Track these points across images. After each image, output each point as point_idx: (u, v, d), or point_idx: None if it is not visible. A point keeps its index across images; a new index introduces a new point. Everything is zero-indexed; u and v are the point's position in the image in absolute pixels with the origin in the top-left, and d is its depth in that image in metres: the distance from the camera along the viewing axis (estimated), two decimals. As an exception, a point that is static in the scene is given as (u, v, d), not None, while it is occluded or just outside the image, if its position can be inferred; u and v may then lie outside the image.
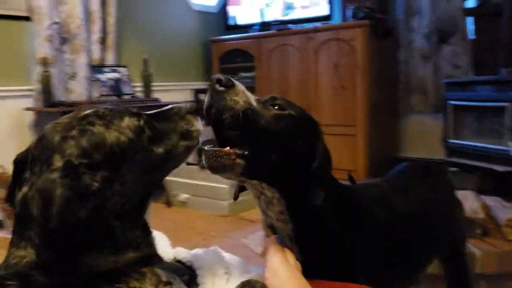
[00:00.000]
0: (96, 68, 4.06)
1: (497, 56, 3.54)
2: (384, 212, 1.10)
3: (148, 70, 4.31)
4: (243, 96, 0.82)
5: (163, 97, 4.42)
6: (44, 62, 3.66)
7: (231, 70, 5.14)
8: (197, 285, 0.85)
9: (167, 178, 0.85)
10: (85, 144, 0.65)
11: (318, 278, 0.91)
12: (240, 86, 0.83)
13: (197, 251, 0.99)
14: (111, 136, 0.69)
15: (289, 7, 4.81)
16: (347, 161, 4.21)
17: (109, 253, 0.65)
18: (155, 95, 4.39)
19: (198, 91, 4.24)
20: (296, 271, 0.82)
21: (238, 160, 0.81)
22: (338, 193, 1.00)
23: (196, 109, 0.84)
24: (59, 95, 3.90)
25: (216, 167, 0.81)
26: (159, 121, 0.80)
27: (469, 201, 2.60)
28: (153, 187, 0.78)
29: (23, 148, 0.73)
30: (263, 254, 0.89)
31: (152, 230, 1.01)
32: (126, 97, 4.11)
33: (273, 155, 0.84)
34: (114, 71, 4.13)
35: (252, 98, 0.86)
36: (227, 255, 0.99)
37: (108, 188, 0.65)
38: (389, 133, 4.50)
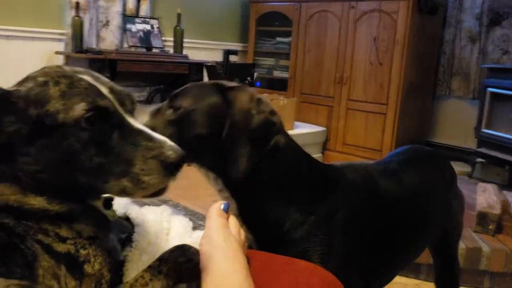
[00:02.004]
0: (128, 18, 4.04)
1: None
2: (364, 196, 1.02)
3: (181, 25, 4.25)
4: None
5: (193, 55, 4.38)
6: (77, 7, 3.68)
7: (267, 33, 5.02)
8: (131, 242, 0.82)
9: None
10: (32, 94, 0.65)
11: None
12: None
13: (146, 209, 0.96)
14: (56, 104, 0.64)
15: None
16: (374, 140, 4.07)
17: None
18: (185, 51, 4.33)
19: (229, 52, 4.16)
20: (233, 240, 0.76)
21: None
22: (295, 169, 0.94)
23: (179, 163, 0.68)
24: (91, 42, 3.93)
25: None
26: (124, 134, 0.67)
27: (488, 195, 2.46)
28: (78, 185, 0.68)
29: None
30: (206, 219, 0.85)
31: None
32: (155, 50, 4.08)
33: (189, 148, 0.80)
34: (146, 22, 4.10)
35: (147, 114, 0.91)
36: (179, 217, 0.96)
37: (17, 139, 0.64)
38: (422, 116, 4.28)
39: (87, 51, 3.57)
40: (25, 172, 0.65)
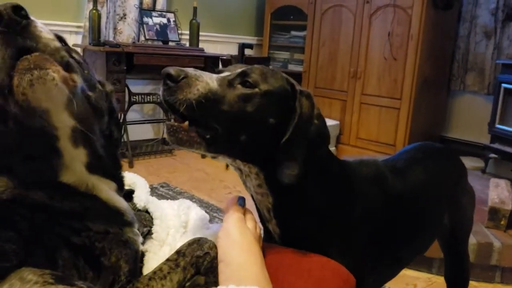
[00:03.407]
0: (145, 11, 4.09)
1: None
2: (377, 192, 1.05)
3: (197, 18, 4.29)
4: (198, 84, 0.78)
5: (209, 48, 4.41)
6: (95, 0, 3.73)
7: (282, 27, 5.03)
8: (151, 234, 0.86)
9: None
10: None
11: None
12: (193, 74, 0.78)
13: (164, 202, 1.00)
14: None
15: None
16: (387, 135, 4.08)
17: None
18: (201, 45, 4.38)
19: (244, 46, 4.19)
20: (249, 235, 0.81)
21: (198, 139, 0.79)
22: (328, 169, 0.96)
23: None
24: (108, 35, 3.99)
25: (175, 141, 0.79)
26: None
27: (500, 190, 2.47)
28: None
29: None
30: (224, 212, 0.88)
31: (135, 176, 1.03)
32: (171, 43, 4.13)
33: (242, 136, 0.81)
34: (162, 16, 4.14)
35: (214, 79, 0.81)
36: (196, 210, 0.99)
37: None
38: (436, 111, 4.28)
39: (104, 44, 3.62)
40: None
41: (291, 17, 4.90)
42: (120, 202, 0.78)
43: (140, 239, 0.80)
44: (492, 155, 3.28)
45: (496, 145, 3.26)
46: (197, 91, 0.77)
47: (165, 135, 0.82)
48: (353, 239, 0.98)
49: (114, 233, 0.72)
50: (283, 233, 0.95)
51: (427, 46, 3.89)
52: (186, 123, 0.79)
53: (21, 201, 0.66)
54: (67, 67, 0.65)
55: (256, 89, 0.82)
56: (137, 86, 4.15)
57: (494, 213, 2.34)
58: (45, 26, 0.64)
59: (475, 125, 4.15)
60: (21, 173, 0.68)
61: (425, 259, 2.16)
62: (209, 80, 0.80)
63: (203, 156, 4.03)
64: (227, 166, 3.30)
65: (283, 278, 0.82)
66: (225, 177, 3.60)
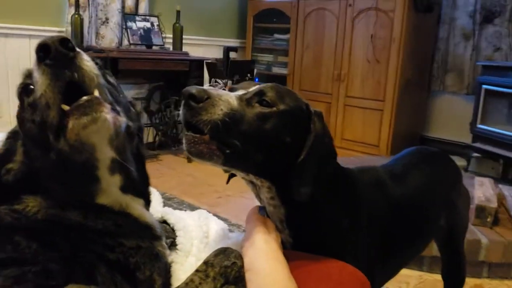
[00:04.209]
0: (128, 16, 4.06)
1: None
2: (380, 197, 1.09)
3: (180, 22, 4.28)
4: (221, 104, 0.78)
5: (192, 51, 4.41)
6: (77, 5, 3.69)
7: (265, 29, 5.06)
8: (175, 245, 0.87)
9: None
10: None
11: None
12: (215, 94, 0.78)
13: (183, 213, 1.00)
14: None
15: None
16: (371, 136, 4.16)
17: None
18: (185, 48, 4.37)
19: (229, 49, 4.20)
20: (273, 243, 0.83)
21: (218, 152, 0.79)
22: (336, 180, 0.98)
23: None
24: (90, 39, 3.94)
25: (195, 153, 0.79)
26: None
27: (485, 189, 2.55)
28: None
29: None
30: (246, 222, 0.90)
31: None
32: (155, 48, 4.11)
33: (258, 152, 0.82)
34: (146, 20, 4.12)
35: (234, 98, 0.81)
36: (215, 220, 1.01)
37: None
38: (418, 111, 4.38)
39: (88, 49, 3.58)
40: None
41: (274, 20, 4.93)
42: (150, 217, 0.80)
43: (168, 251, 0.82)
44: (475, 154, 3.37)
45: (478, 144, 3.36)
46: (221, 111, 0.77)
47: (184, 146, 0.81)
48: (362, 244, 1.01)
49: (145, 247, 0.73)
50: (295, 242, 0.97)
51: (409, 48, 3.98)
52: (207, 136, 0.79)
53: (57, 221, 0.68)
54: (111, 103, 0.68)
55: (274, 108, 0.84)
56: (120, 91, 4.11)
57: (481, 211, 2.41)
58: (88, 57, 0.66)
59: (455, 125, 4.26)
60: (58, 195, 0.69)
61: (417, 257, 2.21)
62: (230, 99, 0.80)
63: (190, 161, 4.02)
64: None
65: (306, 283, 0.84)
66: (215, 181, 3.59)
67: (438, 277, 1.74)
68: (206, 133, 0.77)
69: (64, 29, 3.80)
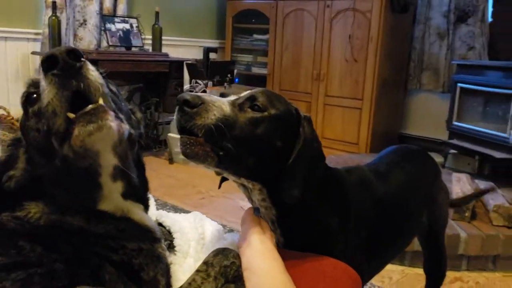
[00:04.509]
0: (107, 17, 4.03)
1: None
2: (367, 197, 1.12)
3: (159, 23, 4.27)
4: (214, 109, 0.81)
5: (171, 52, 4.40)
6: (54, 6, 3.64)
7: (244, 30, 5.08)
8: (173, 247, 0.89)
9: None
10: None
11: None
12: (209, 100, 0.81)
13: (178, 216, 1.02)
14: None
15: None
16: (351, 134, 4.23)
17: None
18: (165, 49, 4.36)
19: (209, 50, 4.21)
20: (269, 242, 0.85)
21: (212, 154, 0.81)
22: (325, 182, 1.01)
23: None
24: (68, 41, 3.90)
25: (190, 155, 0.81)
26: None
27: (462, 184, 2.62)
28: None
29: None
30: (241, 223, 0.92)
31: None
32: (134, 49, 4.09)
33: (250, 156, 0.85)
34: (125, 21, 4.09)
35: (227, 104, 0.84)
36: (209, 221, 1.02)
37: None
38: (395, 109, 4.48)
39: (66, 51, 3.54)
40: None
41: (253, 20, 4.96)
42: (149, 220, 0.82)
43: (167, 253, 0.84)
44: (452, 150, 3.46)
45: (454, 141, 3.45)
46: (214, 116, 0.80)
47: (179, 148, 0.83)
48: (351, 243, 1.05)
49: (147, 249, 0.75)
50: (286, 242, 0.99)
51: (386, 48, 4.06)
52: (202, 138, 0.81)
53: (59, 226, 0.69)
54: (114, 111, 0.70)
55: (265, 113, 0.87)
56: (100, 93, 4.07)
57: (458, 207, 2.48)
58: (93, 67, 0.68)
59: (432, 122, 4.36)
60: (61, 201, 0.71)
61: (399, 253, 2.28)
62: (223, 105, 0.83)
63: (171, 162, 4.02)
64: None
65: (302, 280, 0.87)
66: (198, 182, 3.60)
67: (420, 271, 1.80)
68: (200, 136, 0.79)
69: (41, 31, 3.75)
